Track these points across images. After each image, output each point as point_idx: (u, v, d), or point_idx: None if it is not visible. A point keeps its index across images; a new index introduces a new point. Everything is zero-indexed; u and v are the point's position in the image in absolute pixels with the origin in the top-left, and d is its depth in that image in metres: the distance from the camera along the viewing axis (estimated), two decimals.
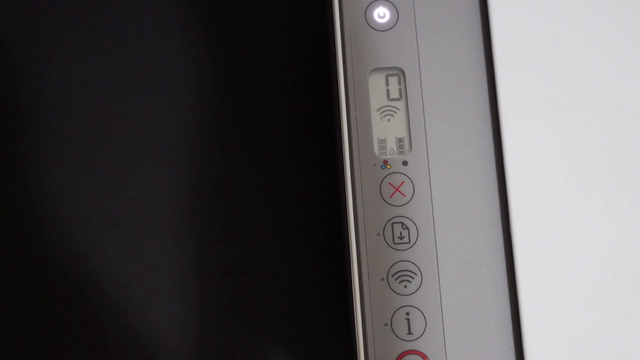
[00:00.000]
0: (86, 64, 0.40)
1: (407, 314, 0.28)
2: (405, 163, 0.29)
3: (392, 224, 0.29)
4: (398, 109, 0.30)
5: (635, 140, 0.29)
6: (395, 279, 0.28)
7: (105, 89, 0.39)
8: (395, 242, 0.28)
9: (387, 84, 0.30)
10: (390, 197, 0.29)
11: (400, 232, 0.29)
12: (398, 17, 0.30)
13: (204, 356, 0.37)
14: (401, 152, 0.29)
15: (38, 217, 0.38)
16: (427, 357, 0.28)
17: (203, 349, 0.37)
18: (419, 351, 0.28)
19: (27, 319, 0.37)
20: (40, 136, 0.39)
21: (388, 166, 0.29)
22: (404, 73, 0.30)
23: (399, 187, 0.29)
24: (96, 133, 0.39)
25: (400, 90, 0.30)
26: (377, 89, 0.30)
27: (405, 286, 0.28)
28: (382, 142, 0.29)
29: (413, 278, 0.28)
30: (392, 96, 0.30)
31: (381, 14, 0.30)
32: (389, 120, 0.30)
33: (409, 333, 0.28)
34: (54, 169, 0.39)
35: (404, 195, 0.29)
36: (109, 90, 0.39)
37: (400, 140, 0.29)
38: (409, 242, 0.28)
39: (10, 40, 0.40)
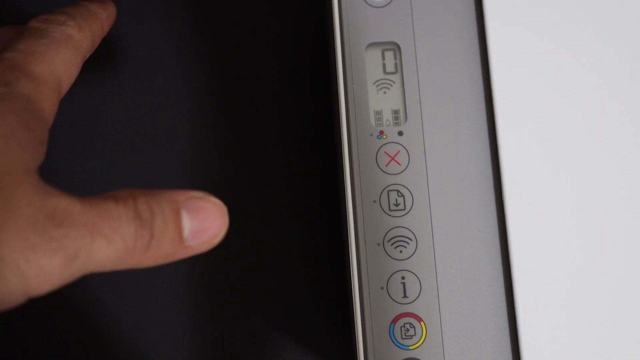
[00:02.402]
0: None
1: (403, 278, 0.29)
2: (400, 133, 0.30)
3: (388, 191, 0.29)
4: (394, 82, 0.31)
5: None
6: (391, 245, 0.29)
7: (101, 90, 0.40)
8: (391, 209, 0.29)
9: (383, 58, 0.31)
10: (386, 165, 0.30)
11: (396, 200, 0.29)
12: None
13: (202, 357, 0.37)
14: (397, 123, 0.30)
15: None
16: (421, 320, 0.29)
17: (202, 349, 0.37)
18: (414, 314, 0.29)
19: (23, 318, 0.38)
20: None
21: (384, 136, 0.30)
22: (399, 48, 0.31)
23: (394, 156, 0.30)
24: (93, 133, 0.39)
25: (396, 64, 0.31)
26: (373, 62, 0.31)
27: (400, 251, 0.29)
28: (379, 113, 0.30)
29: (408, 243, 0.29)
30: (388, 70, 0.31)
31: None
32: (385, 92, 0.31)
33: (405, 296, 0.29)
34: (49, 170, 0.39)
35: (400, 164, 0.30)
36: (107, 90, 0.40)
37: (395, 111, 0.30)
38: (405, 209, 0.29)
39: None
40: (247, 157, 0.39)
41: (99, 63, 0.40)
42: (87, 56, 0.26)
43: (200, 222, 0.22)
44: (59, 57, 0.24)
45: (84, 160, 0.39)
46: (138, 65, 0.40)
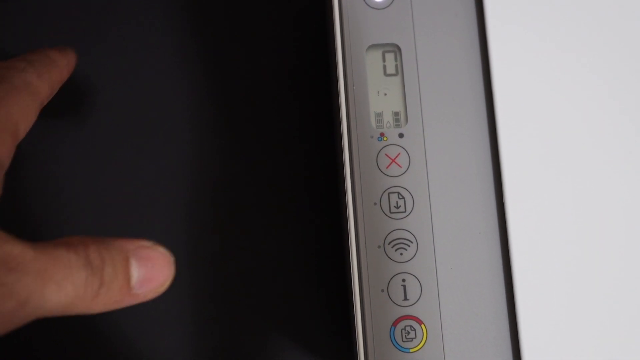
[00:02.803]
0: (79, 65, 0.40)
1: (403, 280, 0.29)
2: (401, 135, 0.30)
3: (389, 193, 0.29)
4: (394, 84, 0.31)
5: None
6: (392, 247, 0.29)
7: (102, 90, 0.40)
8: (392, 211, 0.29)
9: (384, 60, 0.31)
10: (387, 167, 0.30)
11: (397, 202, 0.29)
12: None
13: (202, 358, 0.37)
14: (397, 125, 0.30)
15: (35, 217, 0.38)
16: (422, 322, 0.28)
17: (203, 350, 0.37)
18: (414, 316, 0.29)
19: (27, 328, 0.38)
20: (36, 137, 0.39)
21: (385, 138, 0.30)
22: (400, 49, 0.31)
23: (395, 159, 0.30)
24: (92, 133, 0.39)
25: (396, 66, 0.31)
26: (374, 64, 0.31)
27: (401, 254, 0.29)
28: (379, 115, 0.30)
29: (409, 246, 0.29)
30: (388, 71, 0.31)
31: None
32: (385, 94, 0.31)
33: (405, 299, 0.29)
34: (51, 168, 0.39)
35: (400, 166, 0.30)
36: (106, 91, 0.40)
37: (396, 113, 0.30)
38: (405, 211, 0.29)
39: (8, 43, 0.40)
40: (247, 159, 0.39)
41: (99, 63, 0.40)
42: (45, 102, 0.27)
43: (148, 271, 0.23)
44: (17, 103, 0.24)
45: (84, 160, 0.39)
46: (138, 65, 0.40)
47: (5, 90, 0.24)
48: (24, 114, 0.24)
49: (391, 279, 0.29)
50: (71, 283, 0.21)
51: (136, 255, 0.23)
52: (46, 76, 0.26)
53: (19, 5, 0.41)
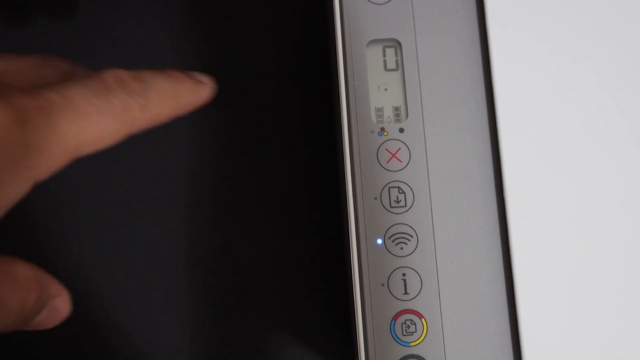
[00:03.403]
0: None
1: (404, 274, 0.29)
2: (401, 130, 0.30)
3: (389, 188, 0.30)
4: (395, 79, 0.31)
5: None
6: (392, 241, 0.29)
7: None
8: (392, 205, 0.29)
9: (384, 55, 0.31)
10: (387, 162, 0.30)
11: (397, 196, 0.29)
12: None
13: (202, 356, 0.37)
14: (398, 120, 0.30)
15: (34, 220, 0.38)
16: (422, 316, 0.29)
17: (203, 345, 0.37)
18: (414, 310, 0.29)
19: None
20: None
21: (385, 133, 0.30)
22: (400, 45, 0.31)
23: (395, 153, 0.30)
24: None
25: (397, 61, 0.31)
26: (374, 60, 0.31)
27: (401, 248, 0.29)
28: (380, 110, 0.30)
29: (409, 240, 0.29)
30: (389, 67, 0.31)
31: None
32: (386, 89, 0.31)
33: (405, 293, 0.29)
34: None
35: (401, 161, 0.30)
36: None
37: (396, 108, 0.30)
38: (405, 205, 0.29)
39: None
40: (248, 154, 0.39)
41: (99, 62, 0.40)
42: (137, 131, 0.24)
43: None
44: (99, 126, 0.21)
45: (83, 159, 0.39)
46: (138, 65, 0.40)
47: (94, 107, 0.21)
48: (99, 138, 0.21)
49: (391, 273, 0.29)
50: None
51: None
52: (154, 111, 0.23)
53: (19, 4, 0.41)
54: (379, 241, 0.29)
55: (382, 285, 0.29)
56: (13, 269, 0.21)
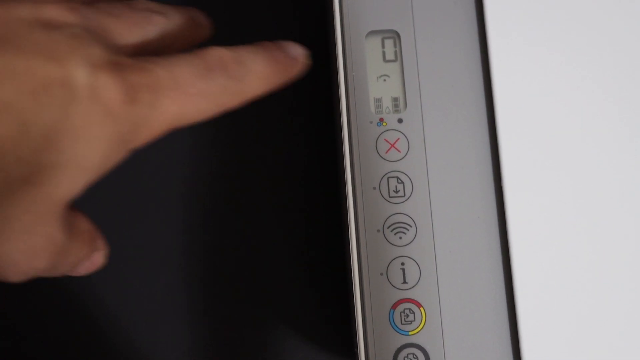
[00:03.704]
0: None
1: (402, 264, 0.29)
2: (400, 120, 0.30)
3: (388, 178, 0.30)
4: (394, 70, 0.31)
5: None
6: (391, 231, 0.29)
7: None
8: (391, 195, 0.30)
9: (383, 46, 0.31)
10: (386, 152, 0.30)
11: (396, 186, 0.30)
12: None
13: (203, 353, 0.37)
14: (396, 111, 0.30)
15: None
16: (421, 305, 0.29)
17: (202, 346, 0.37)
18: (413, 299, 0.29)
19: (23, 317, 0.38)
20: None
21: (384, 123, 0.30)
22: (399, 36, 0.31)
23: (394, 144, 0.30)
24: None
25: (395, 52, 0.31)
26: (373, 50, 0.31)
27: (400, 237, 0.29)
28: (378, 101, 0.31)
29: (408, 230, 0.29)
30: (388, 58, 0.31)
31: None
32: (384, 80, 0.31)
33: (404, 282, 0.29)
34: None
35: (399, 151, 0.30)
36: None
37: (395, 99, 0.31)
38: (404, 195, 0.30)
39: None
40: (246, 146, 0.39)
41: None
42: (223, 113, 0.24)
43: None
44: (196, 107, 0.22)
45: None
46: None
47: (196, 88, 0.21)
48: (194, 116, 0.22)
49: (390, 262, 0.29)
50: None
51: None
52: (249, 92, 0.23)
53: None
54: (378, 231, 0.29)
55: (381, 274, 0.29)
56: (77, 220, 0.22)
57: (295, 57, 0.26)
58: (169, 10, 0.24)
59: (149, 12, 0.23)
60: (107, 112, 0.19)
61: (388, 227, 0.29)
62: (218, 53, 0.22)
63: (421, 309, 0.29)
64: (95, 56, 0.19)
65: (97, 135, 0.19)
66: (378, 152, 0.30)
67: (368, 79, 0.31)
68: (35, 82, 0.18)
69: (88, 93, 0.19)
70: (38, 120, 0.18)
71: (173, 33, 0.24)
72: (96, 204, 0.38)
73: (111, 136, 0.19)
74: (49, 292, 0.38)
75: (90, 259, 0.23)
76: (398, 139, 0.30)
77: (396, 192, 0.30)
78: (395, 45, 0.31)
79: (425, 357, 0.28)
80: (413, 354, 0.28)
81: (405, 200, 0.29)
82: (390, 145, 0.30)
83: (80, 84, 0.19)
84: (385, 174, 0.30)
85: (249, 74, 0.23)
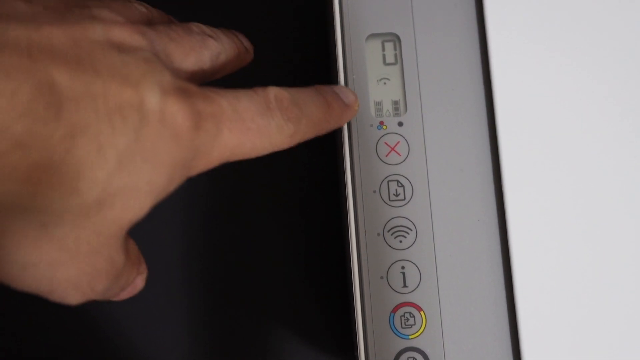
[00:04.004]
0: None
1: (403, 267, 0.29)
2: (400, 124, 0.30)
3: (388, 181, 0.30)
4: (394, 73, 0.31)
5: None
6: (391, 234, 0.29)
7: None
8: (391, 199, 0.29)
9: (383, 49, 0.31)
10: (386, 156, 0.30)
11: (396, 190, 0.30)
12: None
13: (202, 352, 0.37)
14: (397, 114, 0.30)
15: None
16: (421, 309, 0.29)
17: (201, 343, 0.37)
18: (413, 303, 0.29)
19: (23, 318, 0.38)
20: None
21: (384, 127, 0.30)
22: (399, 39, 0.31)
23: (394, 147, 0.30)
24: None
25: (396, 55, 0.31)
26: (373, 54, 0.31)
27: (400, 241, 0.29)
28: (379, 104, 0.30)
29: (408, 233, 0.29)
30: (388, 61, 0.31)
31: None
32: (385, 83, 0.31)
33: (404, 286, 0.29)
34: None
35: (400, 155, 0.30)
36: None
37: (395, 102, 0.31)
38: (404, 199, 0.29)
39: None
40: None
41: None
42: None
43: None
44: (253, 143, 0.22)
45: None
46: None
47: (256, 124, 0.22)
48: (248, 151, 0.22)
49: (390, 266, 0.29)
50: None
51: None
52: (301, 136, 0.24)
53: None
54: (378, 234, 0.29)
55: (381, 278, 0.29)
56: (130, 243, 0.22)
57: (349, 104, 0.27)
58: (220, 34, 0.25)
59: (204, 36, 0.24)
60: (174, 137, 0.19)
61: (388, 231, 0.29)
62: (278, 93, 0.23)
63: (421, 312, 0.29)
64: (165, 81, 0.19)
65: (163, 160, 0.19)
66: (378, 156, 0.30)
67: (368, 82, 0.31)
68: (111, 105, 0.18)
69: (158, 117, 0.19)
70: (113, 144, 0.18)
71: (224, 57, 0.25)
72: None
73: (175, 161, 0.20)
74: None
75: (134, 282, 0.23)
76: (398, 142, 0.30)
77: (396, 195, 0.29)
78: (395, 48, 0.31)
79: None
80: (413, 357, 0.28)
81: (406, 203, 0.29)
82: (390, 149, 0.30)
83: (151, 108, 0.19)
84: (386, 178, 0.30)
85: (304, 117, 0.24)
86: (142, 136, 0.19)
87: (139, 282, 0.24)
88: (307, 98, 0.24)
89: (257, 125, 0.22)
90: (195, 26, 0.24)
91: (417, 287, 0.29)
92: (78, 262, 0.19)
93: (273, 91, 0.23)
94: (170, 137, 0.19)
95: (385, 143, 0.30)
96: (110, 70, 0.19)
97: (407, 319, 0.29)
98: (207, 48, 0.24)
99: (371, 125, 0.30)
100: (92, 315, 0.38)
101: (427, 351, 0.28)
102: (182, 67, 0.22)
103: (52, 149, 0.17)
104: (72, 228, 0.18)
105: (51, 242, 0.18)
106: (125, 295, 0.23)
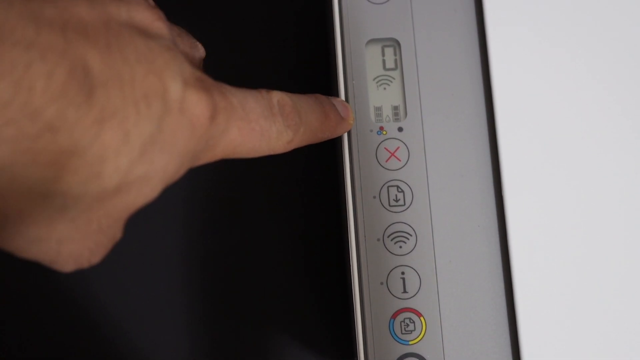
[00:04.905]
0: None
1: (403, 273, 0.29)
2: (400, 129, 0.30)
3: (388, 187, 0.30)
4: (394, 78, 0.31)
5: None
6: (391, 240, 0.29)
7: None
8: (391, 204, 0.29)
9: (383, 55, 0.31)
10: (386, 161, 0.30)
11: (396, 195, 0.30)
12: None
13: (201, 356, 0.37)
14: (397, 119, 0.30)
15: None
16: (421, 315, 0.29)
17: (200, 347, 0.37)
18: (413, 309, 0.29)
19: (25, 325, 0.38)
20: None
21: (384, 132, 0.30)
22: (399, 44, 0.31)
23: (394, 152, 0.30)
24: None
25: (395, 60, 0.31)
26: (373, 59, 0.31)
27: (400, 247, 0.29)
28: (379, 109, 0.30)
29: (408, 239, 0.29)
30: (388, 66, 0.31)
31: None
32: (384, 89, 0.31)
33: (404, 292, 0.29)
34: None
35: (399, 160, 0.30)
36: None
37: (395, 107, 0.30)
38: (404, 204, 0.29)
39: None
40: None
41: None
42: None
43: None
44: (253, 143, 0.22)
45: None
46: None
47: (260, 126, 0.22)
48: (247, 152, 0.23)
49: (390, 271, 0.29)
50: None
51: None
52: (296, 143, 0.24)
53: None
54: (378, 240, 0.29)
55: (381, 283, 0.29)
56: None
57: (345, 117, 0.27)
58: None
59: (192, 38, 0.24)
60: (191, 127, 0.19)
61: (388, 236, 0.29)
62: (281, 98, 0.23)
63: (421, 318, 0.29)
64: (186, 71, 0.20)
65: (179, 149, 0.19)
66: (378, 161, 0.30)
67: (368, 87, 0.30)
68: (138, 92, 0.18)
69: (179, 107, 0.19)
70: (138, 131, 0.18)
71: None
72: None
73: (188, 151, 0.20)
74: (49, 294, 0.38)
75: None
76: (398, 147, 0.30)
77: (396, 201, 0.29)
78: (395, 54, 0.31)
79: None
80: None
81: (406, 209, 0.29)
82: (390, 154, 0.30)
83: (173, 97, 0.19)
84: (385, 183, 0.30)
85: (302, 125, 0.24)
86: (164, 125, 0.19)
87: None
88: (307, 107, 0.24)
89: (261, 128, 0.22)
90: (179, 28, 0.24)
91: (417, 292, 0.29)
92: (85, 239, 0.19)
93: (277, 96, 0.23)
94: (187, 127, 0.19)
95: (385, 148, 0.30)
96: (137, 55, 0.18)
97: (407, 325, 0.28)
98: (198, 50, 0.24)
99: (371, 131, 0.30)
100: (92, 315, 0.38)
101: (427, 357, 0.28)
102: (194, 60, 0.22)
103: (81, 133, 0.17)
104: (87, 210, 0.19)
105: (64, 222, 0.19)
106: None
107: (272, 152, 0.23)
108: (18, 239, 0.19)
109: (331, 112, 0.26)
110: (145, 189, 0.19)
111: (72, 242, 0.19)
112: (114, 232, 0.20)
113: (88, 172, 0.18)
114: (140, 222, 0.38)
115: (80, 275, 0.38)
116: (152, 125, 0.18)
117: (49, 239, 0.19)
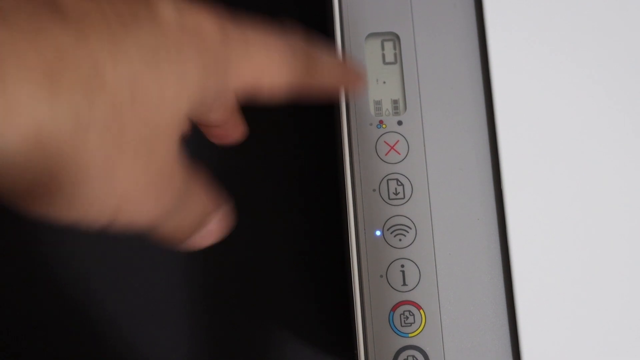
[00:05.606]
0: None
1: (402, 266, 0.29)
2: (400, 123, 0.30)
3: (388, 180, 0.30)
4: (393, 72, 0.31)
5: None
6: (391, 233, 0.29)
7: None
8: (391, 197, 0.30)
9: (383, 49, 0.31)
10: (386, 155, 0.30)
11: (395, 188, 0.30)
12: None
13: (202, 350, 0.37)
14: (396, 113, 0.30)
15: (34, 219, 0.38)
16: (421, 307, 0.29)
17: (201, 342, 0.37)
18: (413, 302, 0.29)
19: (25, 326, 0.38)
20: None
21: (384, 126, 0.30)
22: (399, 38, 0.31)
23: (394, 146, 0.30)
24: None
25: (395, 54, 0.31)
26: (373, 53, 0.31)
27: (400, 240, 0.29)
28: (378, 103, 0.31)
29: (408, 232, 0.29)
30: (387, 60, 0.31)
31: None
32: (384, 82, 0.31)
33: (404, 284, 0.29)
34: None
35: (399, 153, 0.30)
36: None
37: (395, 101, 0.31)
38: (404, 197, 0.30)
39: None
40: (246, 148, 0.39)
41: None
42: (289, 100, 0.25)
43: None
44: (272, 78, 0.23)
45: None
46: None
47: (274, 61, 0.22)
48: (270, 85, 0.23)
49: (390, 264, 0.29)
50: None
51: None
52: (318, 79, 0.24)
53: None
54: (378, 233, 0.29)
55: (381, 276, 0.29)
56: (196, 175, 0.23)
57: (360, 73, 0.27)
58: None
59: None
60: (200, 42, 0.20)
61: (388, 229, 0.29)
62: (304, 43, 0.24)
63: (421, 311, 0.29)
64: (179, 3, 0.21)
65: (194, 59, 0.20)
66: (378, 154, 0.30)
67: (368, 81, 0.31)
68: (123, 15, 0.19)
69: (177, 26, 0.20)
70: (170, 58, 0.19)
71: None
72: None
73: (205, 63, 0.20)
74: (49, 294, 0.38)
75: (214, 222, 0.24)
76: (398, 141, 0.30)
77: (396, 194, 0.30)
78: (394, 48, 0.31)
79: (425, 359, 0.28)
80: (413, 356, 0.28)
81: (405, 202, 0.30)
82: (390, 148, 0.30)
83: (166, 20, 0.20)
84: (385, 176, 0.30)
85: (321, 68, 0.24)
86: (161, 40, 0.19)
87: (218, 224, 0.24)
88: (325, 51, 0.25)
89: (281, 59, 0.22)
90: None
91: (416, 285, 0.29)
92: (130, 169, 0.19)
93: (296, 35, 0.24)
94: (195, 43, 0.20)
95: (385, 142, 0.30)
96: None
97: (407, 318, 0.29)
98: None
99: (371, 124, 0.30)
100: (92, 315, 0.38)
101: (427, 349, 0.28)
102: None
103: (63, 50, 0.17)
104: (127, 131, 0.18)
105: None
106: (207, 237, 0.24)
107: (293, 93, 0.23)
108: (82, 200, 0.19)
109: (348, 64, 0.27)
110: (169, 98, 0.19)
111: (133, 189, 0.19)
112: (162, 164, 0.20)
113: (87, 86, 0.18)
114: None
115: (80, 274, 0.38)
116: (148, 38, 0.19)
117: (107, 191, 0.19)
